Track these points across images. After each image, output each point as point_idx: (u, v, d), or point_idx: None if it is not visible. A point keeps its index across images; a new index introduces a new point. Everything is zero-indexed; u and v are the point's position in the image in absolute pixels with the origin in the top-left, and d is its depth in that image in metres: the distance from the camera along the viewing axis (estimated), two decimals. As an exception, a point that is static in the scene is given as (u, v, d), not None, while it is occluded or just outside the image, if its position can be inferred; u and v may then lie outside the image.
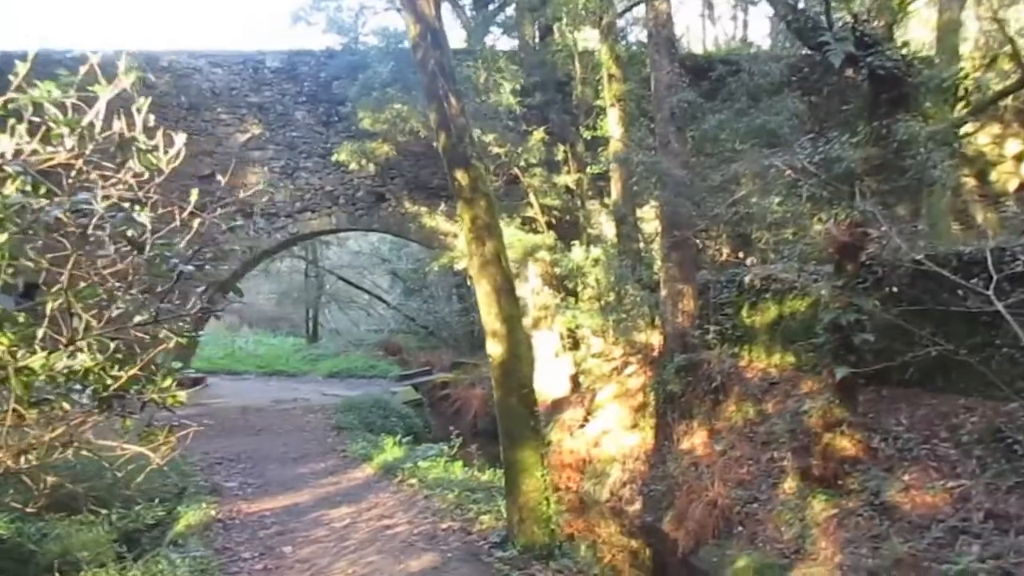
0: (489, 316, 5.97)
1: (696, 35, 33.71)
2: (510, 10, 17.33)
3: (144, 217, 3.40)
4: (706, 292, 12.04)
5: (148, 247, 3.19)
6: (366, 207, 17.50)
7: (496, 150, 14.14)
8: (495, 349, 6.03)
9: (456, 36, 17.67)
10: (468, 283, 27.41)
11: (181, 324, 3.74)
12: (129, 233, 3.42)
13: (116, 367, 3.40)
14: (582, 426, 13.31)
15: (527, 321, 16.49)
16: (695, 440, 10.58)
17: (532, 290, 16.32)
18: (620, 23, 16.13)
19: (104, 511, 5.08)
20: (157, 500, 5.94)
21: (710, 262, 13.86)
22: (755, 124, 10.99)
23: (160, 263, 3.25)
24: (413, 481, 8.43)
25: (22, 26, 57.31)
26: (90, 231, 3.14)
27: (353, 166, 15.47)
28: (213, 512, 7.17)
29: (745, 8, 27.40)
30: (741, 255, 13.67)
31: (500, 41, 16.70)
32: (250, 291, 40.37)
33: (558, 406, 14.98)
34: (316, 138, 17.43)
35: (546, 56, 15.63)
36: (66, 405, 3.35)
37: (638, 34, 17.58)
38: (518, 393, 6.06)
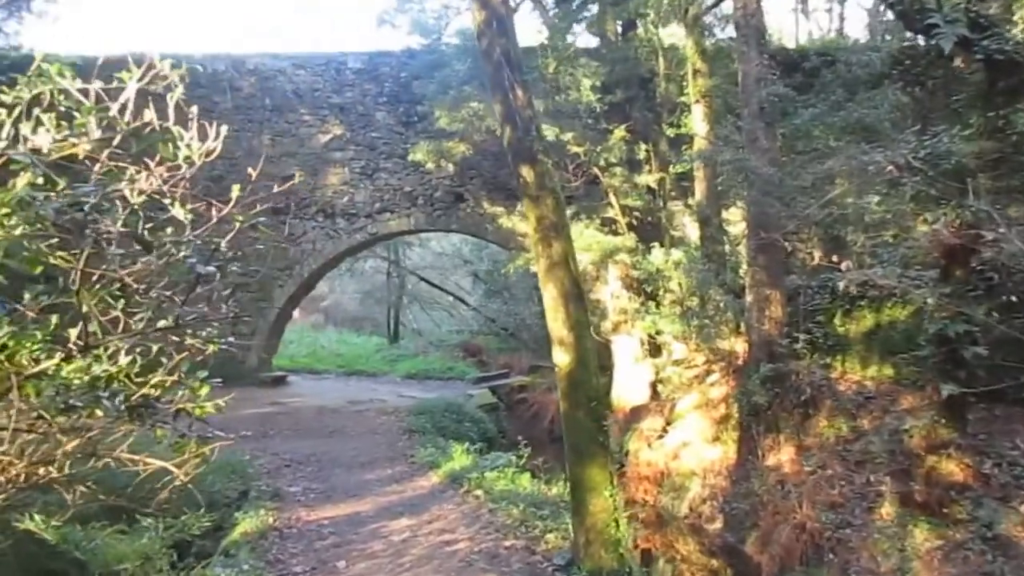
0: (556, 323, 5.55)
1: (789, 31, 32.34)
2: (594, 7, 16.86)
3: (181, 212, 3.14)
4: (795, 298, 11.28)
5: (162, 246, 2.93)
6: (444, 208, 17.37)
7: (575, 149, 13.69)
8: (562, 359, 5.60)
9: (537, 32, 17.22)
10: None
11: (210, 330, 3.48)
12: (169, 230, 3.17)
13: (143, 374, 3.16)
14: (661, 436, 12.72)
15: (606, 325, 16.01)
16: (782, 456, 9.88)
17: (611, 293, 15.80)
18: (707, 17, 15.42)
19: (150, 519, 4.93)
20: (206, 508, 5.76)
21: (800, 266, 13.04)
22: (852, 118, 10.20)
23: (177, 263, 2.98)
24: (478, 492, 8.08)
25: (112, 31, 60.19)
26: (103, 228, 2.90)
27: (429, 165, 15.30)
28: (271, 519, 6.99)
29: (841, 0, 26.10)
30: (835, 259, 12.80)
31: (582, 38, 16.26)
32: (335, 290, 41.24)
33: (637, 414, 14.43)
34: (396, 139, 17.39)
35: (628, 52, 15.08)
36: (99, 412, 3.12)
37: (725, 28, 16.79)
38: (586, 407, 5.61)
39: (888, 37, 19.18)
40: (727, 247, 14.71)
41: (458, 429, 12.97)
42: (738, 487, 10.32)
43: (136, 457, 3.09)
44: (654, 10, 14.51)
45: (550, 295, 5.59)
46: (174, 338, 3.33)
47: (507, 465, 8.77)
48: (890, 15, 18.93)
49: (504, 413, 18.13)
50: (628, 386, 15.20)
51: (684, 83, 14.72)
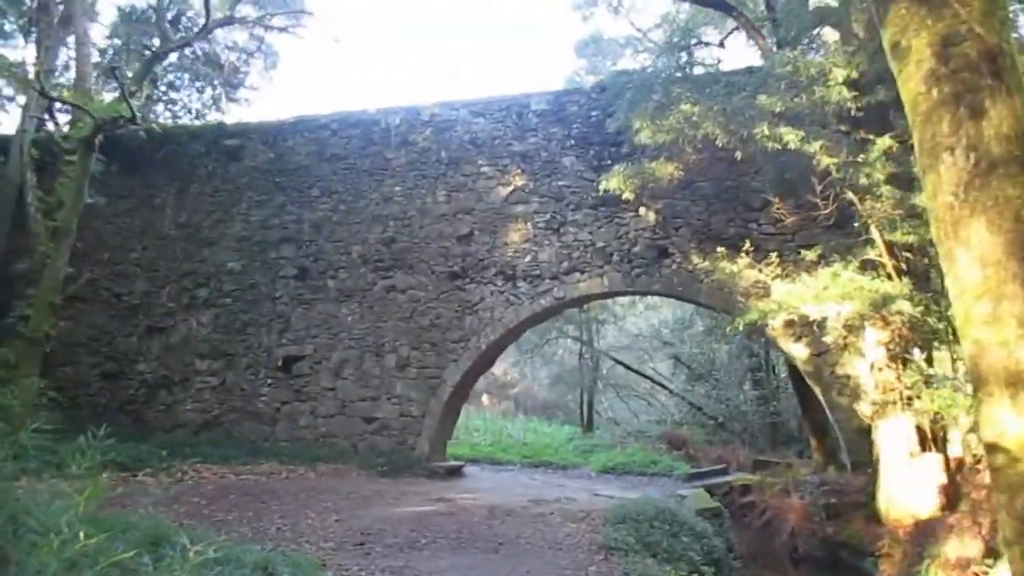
0: (996, 327, 2.15)
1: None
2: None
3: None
4: None
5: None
6: (644, 265, 14.23)
7: (826, 161, 10.15)
8: (1014, 424, 2.14)
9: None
10: (777, 355, 22.32)
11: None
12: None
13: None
14: (985, 571, 8.46)
15: (863, 407, 12.08)
16: None
17: (872, 365, 11.85)
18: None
19: None
20: None
21: None
22: None
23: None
24: None
25: (290, 94, 64.16)
26: None
27: (627, 195, 12.31)
28: None
29: None
30: None
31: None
32: (526, 376, 38.98)
33: (926, 531, 10.22)
34: (586, 186, 14.67)
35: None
36: None
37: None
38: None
39: None
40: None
41: (673, 546, 9.36)
42: None
43: None
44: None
45: (978, 250, 2.18)
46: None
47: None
48: None
49: (727, 521, 14.22)
50: (904, 491, 11.04)
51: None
